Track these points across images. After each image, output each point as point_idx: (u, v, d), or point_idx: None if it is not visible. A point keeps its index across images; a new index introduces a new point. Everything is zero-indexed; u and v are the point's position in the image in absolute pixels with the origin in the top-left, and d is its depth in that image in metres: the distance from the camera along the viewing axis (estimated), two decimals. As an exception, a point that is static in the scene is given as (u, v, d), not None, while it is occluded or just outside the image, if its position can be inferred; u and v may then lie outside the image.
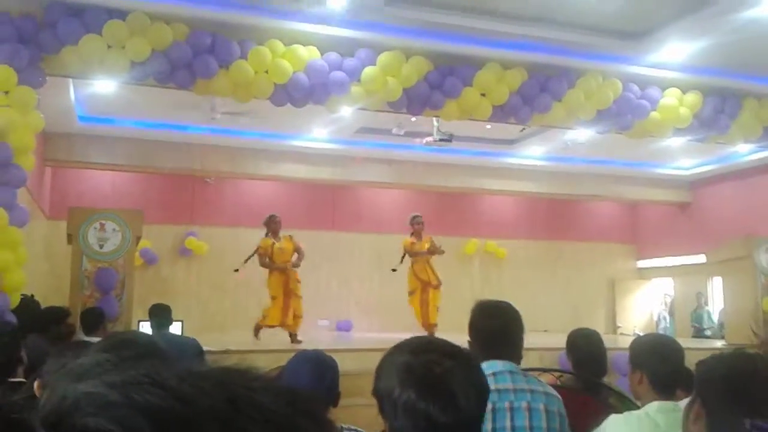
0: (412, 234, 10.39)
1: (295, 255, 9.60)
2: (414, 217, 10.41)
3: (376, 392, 1.51)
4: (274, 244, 9.51)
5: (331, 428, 0.57)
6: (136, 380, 0.48)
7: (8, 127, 6.12)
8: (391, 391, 1.44)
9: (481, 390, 1.48)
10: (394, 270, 10.43)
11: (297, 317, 9.46)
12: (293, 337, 9.35)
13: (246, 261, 9.82)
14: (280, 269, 9.43)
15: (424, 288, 10.12)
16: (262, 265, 9.54)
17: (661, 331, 13.86)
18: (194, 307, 12.37)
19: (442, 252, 10.39)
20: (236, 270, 10.13)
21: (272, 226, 9.66)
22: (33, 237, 9.24)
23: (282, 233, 9.71)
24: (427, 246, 10.26)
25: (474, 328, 2.66)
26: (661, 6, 7.04)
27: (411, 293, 10.31)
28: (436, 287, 10.18)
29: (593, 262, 15.74)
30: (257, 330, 9.55)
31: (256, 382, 0.52)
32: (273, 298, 9.40)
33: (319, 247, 13.57)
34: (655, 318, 15.11)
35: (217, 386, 0.49)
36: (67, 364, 2.37)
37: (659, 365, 2.74)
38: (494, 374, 2.47)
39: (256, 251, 9.63)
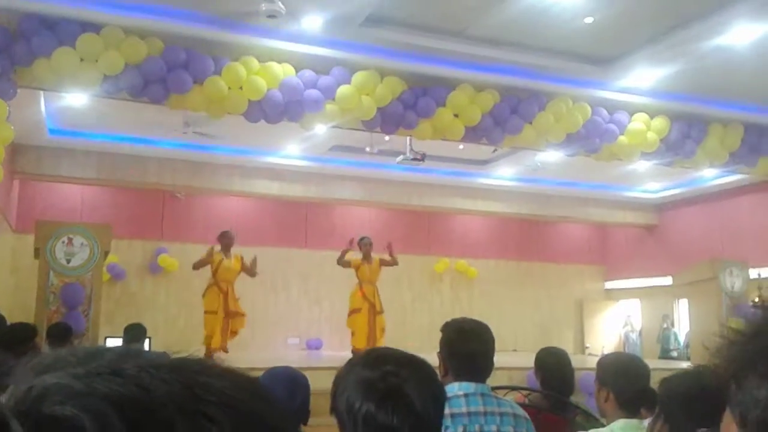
0: (363, 256, 10.34)
1: (243, 272, 9.60)
2: (362, 239, 10.38)
3: (335, 410, 1.52)
4: (222, 260, 9.43)
5: (286, 415, 0.61)
6: (97, 371, 0.51)
7: (-23, 138, 6.05)
8: (351, 406, 1.46)
9: (437, 396, 1.51)
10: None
11: (233, 334, 9.46)
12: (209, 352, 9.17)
13: (194, 266, 9.67)
14: (220, 287, 9.37)
15: (370, 310, 10.08)
16: (195, 265, 9.47)
17: (628, 352, 14.02)
18: (162, 324, 12.22)
19: (395, 262, 10.38)
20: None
21: (225, 241, 9.60)
22: (-1, 250, 9.09)
23: (234, 251, 9.65)
24: (376, 266, 10.30)
25: (449, 348, 2.62)
26: (629, 33, 7.21)
27: (354, 312, 10.20)
28: (380, 313, 10.17)
29: (562, 282, 15.91)
30: (209, 355, 9.17)
31: (213, 370, 0.55)
32: (212, 313, 9.28)
33: (290, 265, 13.54)
34: (623, 338, 15.27)
35: (175, 373, 0.52)
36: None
37: (625, 384, 2.79)
38: (466, 395, 2.48)
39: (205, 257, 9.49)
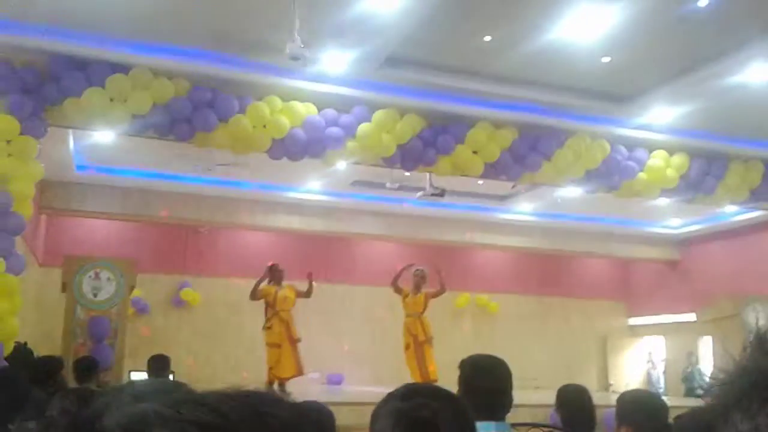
0: (413, 286, 10.19)
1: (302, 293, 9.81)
2: (416, 270, 10.26)
3: None
4: (277, 291, 9.57)
5: None
6: (185, 401, 0.66)
7: (9, 175, 6.23)
8: None
9: (467, 428, 1.56)
10: None
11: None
12: (283, 387, 9.31)
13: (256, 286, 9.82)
14: (281, 318, 9.47)
15: (415, 343, 9.97)
16: (253, 295, 9.62)
17: (654, 390, 13.82)
18: (185, 358, 12.29)
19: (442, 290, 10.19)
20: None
21: (275, 274, 9.78)
22: (25, 284, 9.23)
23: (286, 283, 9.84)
24: (421, 298, 10.10)
25: (467, 385, 2.62)
26: (646, 72, 7.29)
27: (406, 348, 10.13)
28: (426, 342, 9.96)
29: (584, 318, 15.77)
30: (271, 384, 9.31)
31: (276, 400, 0.70)
32: (277, 346, 9.41)
33: (311, 299, 13.54)
34: (645, 376, 15.03)
35: (245, 403, 0.67)
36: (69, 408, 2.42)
37: (644, 420, 2.81)
38: None
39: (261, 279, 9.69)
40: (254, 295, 9.75)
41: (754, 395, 0.86)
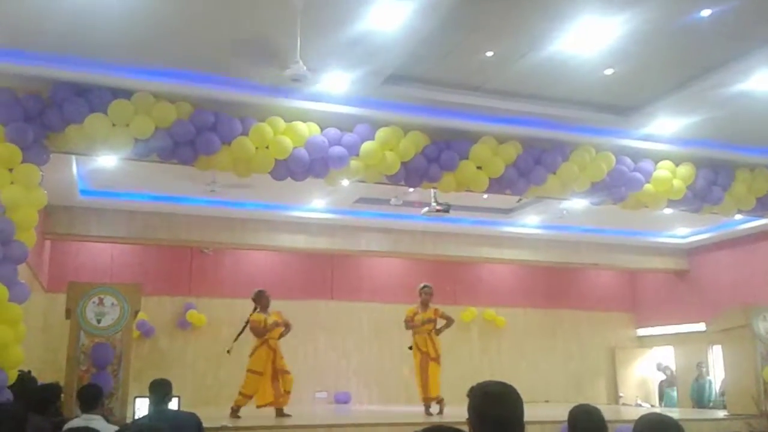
0: (420, 303, 10.02)
1: (283, 329, 9.57)
2: (423, 287, 10.09)
3: None
4: (266, 318, 9.45)
5: None
6: None
7: (12, 203, 6.20)
8: None
9: None
10: (410, 348, 10.02)
11: (287, 393, 9.34)
12: (279, 411, 9.22)
13: (236, 339, 9.75)
14: (270, 345, 9.37)
15: (423, 360, 9.84)
16: (259, 335, 9.41)
17: (664, 404, 13.71)
18: (190, 380, 12.24)
19: (448, 322, 10.01)
20: (228, 351, 9.95)
21: (262, 301, 9.59)
22: (31, 311, 9.19)
23: (271, 308, 9.66)
24: (430, 314, 9.92)
25: (478, 414, 2.56)
26: (650, 83, 7.25)
27: (417, 364, 9.93)
28: (434, 360, 9.82)
29: (593, 330, 15.67)
30: (235, 411, 9.16)
31: None
32: (259, 373, 9.24)
33: (317, 317, 13.52)
34: (655, 388, 14.86)
35: None
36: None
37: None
38: None
39: (245, 326, 9.57)
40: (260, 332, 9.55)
41: None
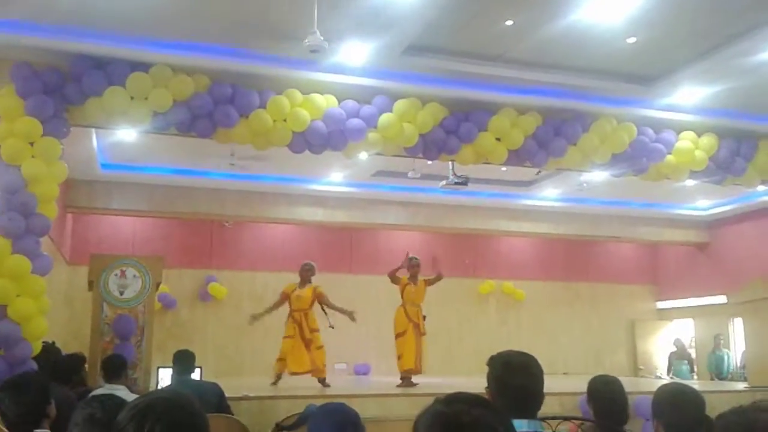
0: (410, 276, 10.12)
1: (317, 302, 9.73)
2: (411, 258, 10.17)
3: None
4: (295, 290, 9.62)
5: None
6: None
7: (33, 177, 6.26)
8: None
9: None
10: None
11: (319, 368, 9.50)
12: (321, 381, 9.42)
13: (268, 311, 9.88)
14: (294, 317, 9.54)
15: (415, 331, 9.88)
16: (280, 304, 9.74)
17: (673, 376, 13.66)
18: (212, 352, 12.39)
19: (440, 276, 10.16)
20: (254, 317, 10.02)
21: (302, 273, 9.84)
22: (54, 283, 9.33)
23: (287, 276, 10.03)
24: (422, 287, 10.07)
25: (499, 383, 2.57)
26: (673, 52, 7.12)
27: (400, 335, 9.99)
28: (424, 335, 9.96)
29: (612, 303, 15.62)
30: (278, 376, 9.49)
31: None
32: (288, 337, 9.49)
33: (336, 290, 13.48)
34: (667, 363, 14.76)
35: None
36: (95, 414, 2.41)
37: (675, 416, 2.75)
38: None
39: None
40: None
41: None
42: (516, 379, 2.58)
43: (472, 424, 1.53)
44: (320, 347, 9.62)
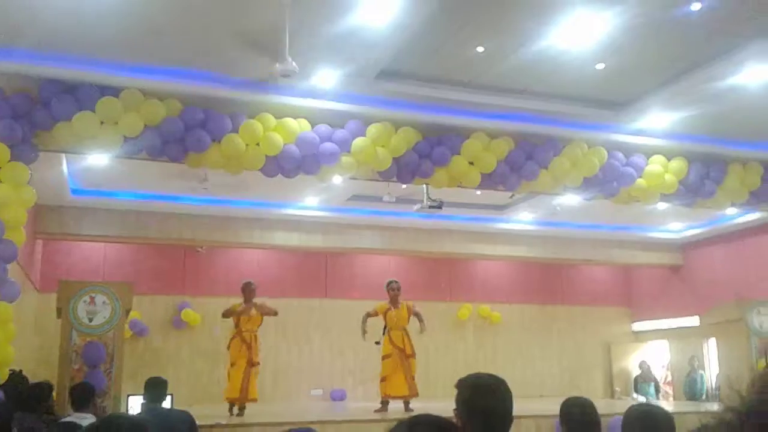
0: (390, 300, 10.10)
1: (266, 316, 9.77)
2: (389, 283, 10.18)
3: None
4: (242, 311, 9.60)
5: None
6: None
7: (0, 202, 6.16)
8: None
9: None
10: (377, 343, 10.08)
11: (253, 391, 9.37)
12: (241, 408, 9.22)
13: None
14: (243, 338, 9.46)
15: (400, 356, 9.83)
16: (224, 314, 9.76)
17: (640, 400, 13.69)
18: (185, 379, 12.21)
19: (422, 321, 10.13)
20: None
21: (245, 292, 9.81)
22: (23, 311, 9.16)
23: (257, 300, 9.85)
24: (404, 311, 10.04)
25: (467, 406, 2.54)
26: (641, 77, 7.24)
27: (385, 357, 9.94)
28: (411, 356, 9.92)
29: (588, 325, 15.68)
30: (231, 406, 9.30)
31: None
32: (232, 365, 9.39)
33: (312, 316, 13.50)
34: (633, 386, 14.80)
35: None
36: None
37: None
38: None
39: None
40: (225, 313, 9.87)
41: None
42: (484, 401, 2.55)
43: None
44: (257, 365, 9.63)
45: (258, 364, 9.56)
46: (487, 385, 2.60)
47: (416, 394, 9.72)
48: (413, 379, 9.82)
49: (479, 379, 2.65)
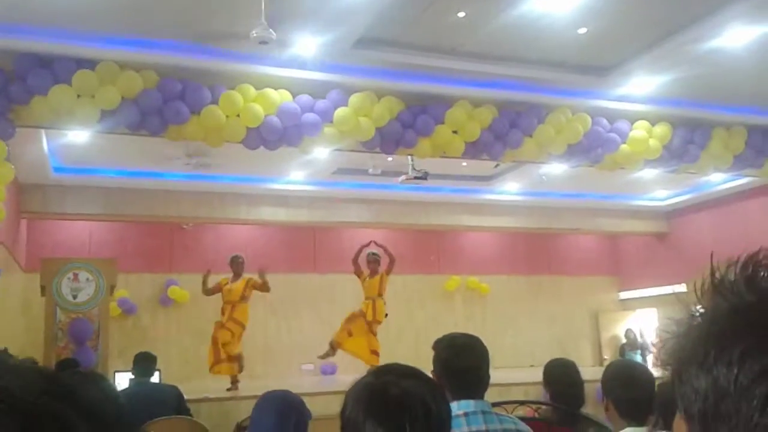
0: (370, 272, 10.42)
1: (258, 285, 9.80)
2: (369, 254, 10.48)
3: (341, 416, 1.55)
4: (227, 284, 9.74)
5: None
6: None
7: (-22, 179, 6.09)
8: (350, 414, 1.50)
9: (439, 408, 1.49)
10: (386, 315, 10.37)
11: (232, 359, 9.50)
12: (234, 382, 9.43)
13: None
14: (224, 310, 9.66)
15: (365, 323, 10.21)
16: (206, 291, 9.91)
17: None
18: (175, 356, 12.19)
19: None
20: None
21: (232, 266, 9.92)
22: (9, 291, 9.11)
23: (246, 275, 9.91)
24: (376, 282, 10.30)
25: (444, 365, 2.56)
26: (624, 41, 7.19)
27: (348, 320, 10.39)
28: (372, 323, 10.23)
29: (576, 294, 15.76)
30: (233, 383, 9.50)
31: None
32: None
33: (300, 291, 13.49)
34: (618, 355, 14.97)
35: None
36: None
37: (622, 391, 2.74)
38: (466, 414, 2.43)
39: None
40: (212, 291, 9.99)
41: (710, 343, 0.76)
42: (460, 360, 2.56)
43: (400, 395, 1.49)
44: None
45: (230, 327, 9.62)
46: (463, 344, 2.62)
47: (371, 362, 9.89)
48: (375, 354, 10.02)
49: (455, 338, 2.67)
